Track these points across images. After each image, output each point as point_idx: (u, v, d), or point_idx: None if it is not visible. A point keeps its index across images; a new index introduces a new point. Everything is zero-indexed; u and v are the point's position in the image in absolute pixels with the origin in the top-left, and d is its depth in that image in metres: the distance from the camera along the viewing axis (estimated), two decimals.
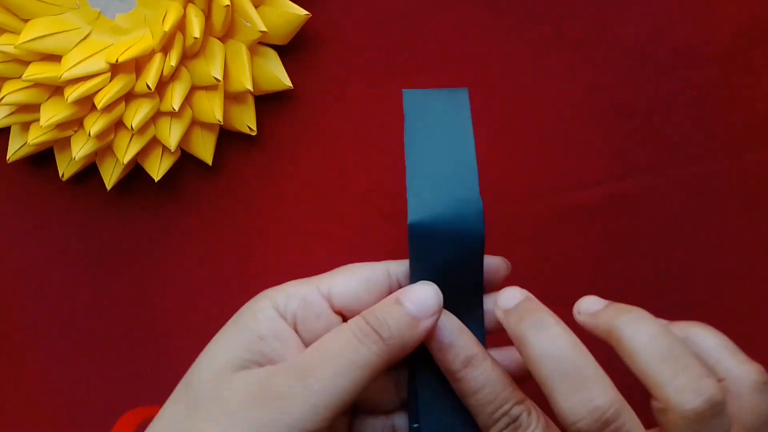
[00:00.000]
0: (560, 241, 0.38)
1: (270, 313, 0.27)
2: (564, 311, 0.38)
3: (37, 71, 0.35)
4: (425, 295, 0.27)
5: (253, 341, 0.26)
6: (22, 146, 0.38)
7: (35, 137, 0.36)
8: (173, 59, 0.34)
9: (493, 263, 0.29)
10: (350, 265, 0.29)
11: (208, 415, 0.24)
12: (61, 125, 0.36)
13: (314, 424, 0.24)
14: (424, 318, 0.26)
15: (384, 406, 0.30)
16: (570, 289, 0.38)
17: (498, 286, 0.29)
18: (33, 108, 0.36)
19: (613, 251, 0.38)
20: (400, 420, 0.30)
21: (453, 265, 0.28)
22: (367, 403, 0.30)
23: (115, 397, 0.41)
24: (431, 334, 0.27)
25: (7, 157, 0.38)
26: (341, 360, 0.25)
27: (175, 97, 0.35)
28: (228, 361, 0.26)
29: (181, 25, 0.35)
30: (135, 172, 0.39)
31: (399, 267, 0.29)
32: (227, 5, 0.34)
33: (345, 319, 0.28)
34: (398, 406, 0.30)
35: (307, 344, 0.27)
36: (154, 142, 0.37)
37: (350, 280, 0.28)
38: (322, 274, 0.28)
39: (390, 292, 0.28)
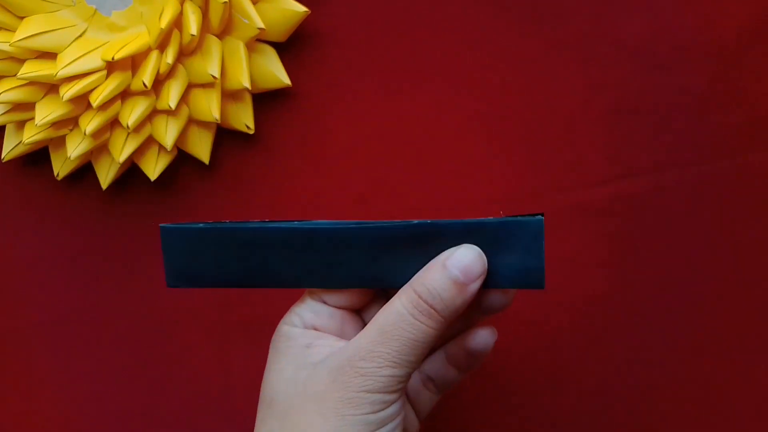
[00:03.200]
0: (562, 241, 0.38)
1: (297, 329, 0.29)
2: (566, 312, 0.38)
3: (32, 69, 0.35)
4: (470, 259, 0.27)
5: (302, 351, 0.29)
6: (16, 145, 0.37)
7: (30, 136, 0.36)
8: (170, 57, 0.34)
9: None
10: None
11: (301, 412, 0.27)
12: (56, 124, 0.36)
13: (394, 387, 0.27)
14: (471, 282, 0.27)
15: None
16: (573, 289, 0.38)
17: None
18: (28, 106, 0.36)
19: (615, 250, 0.38)
20: (426, 368, 0.32)
21: None
22: None
23: (113, 396, 0.40)
24: None
25: (2, 157, 0.38)
26: (402, 340, 0.27)
27: (171, 95, 0.35)
28: (294, 370, 0.28)
29: (177, 22, 0.34)
30: (131, 171, 0.39)
31: None
32: (225, 2, 0.34)
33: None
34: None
35: (336, 335, 0.30)
36: (151, 140, 0.37)
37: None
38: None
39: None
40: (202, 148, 0.37)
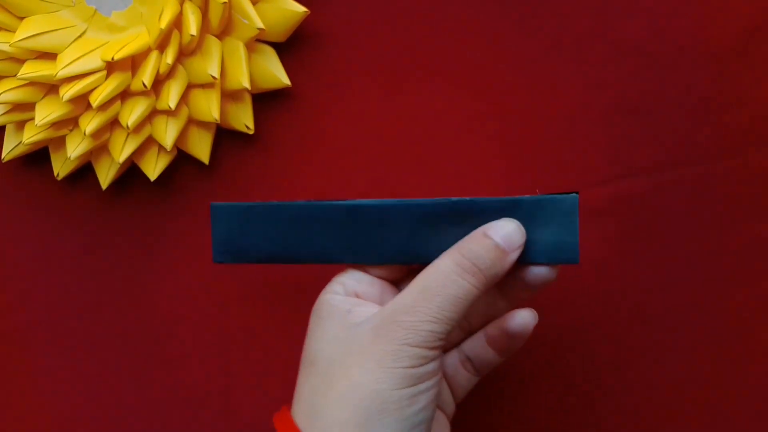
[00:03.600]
0: None
1: (339, 296, 0.30)
2: (566, 312, 0.38)
3: (32, 69, 0.35)
4: (510, 229, 0.29)
5: (343, 315, 0.29)
6: (16, 145, 0.37)
7: (30, 136, 0.36)
8: (170, 57, 0.34)
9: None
10: None
11: (342, 366, 0.28)
12: (56, 124, 0.36)
13: (434, 343, 0.28)
14: (512, 251, 0.29)
15: (455, 339, 0.33)
16: (573, 289, 0.38)
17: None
18: (28, 107, 0.36)
19: (615, 250, 0.38)
20: (466, 348, 0.33)
21: None
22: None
23: (113, 396, 0.40)
24: None
25: (2, 157, 0.38)
26: (444, 296, 0.28)
27: (171, 96, 0.35)
28: (336, 331, 0.29)
29: (177, 23, 0.34)
30: (131, 171, 0.39)
31: None
32: (225, 2, 0.34)
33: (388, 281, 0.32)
34: (466, 336, 0.33)
35: (377, 303, 0.31)
36: (150, 141, 0.37)
37: None
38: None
39: None
40: (201, 148, 0.37)
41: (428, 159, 0.38)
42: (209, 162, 0.38)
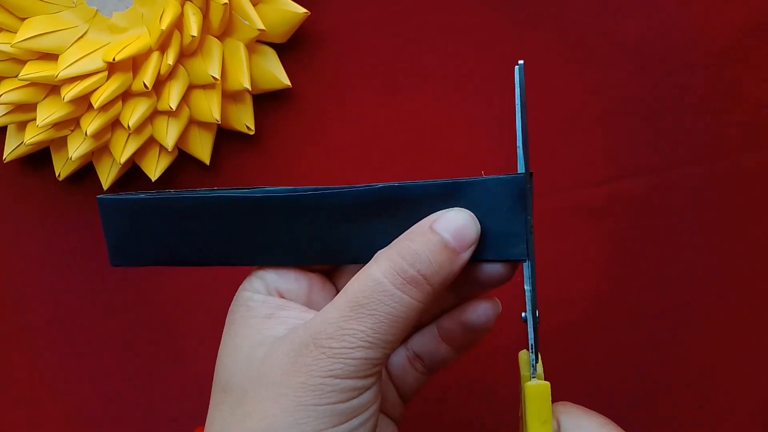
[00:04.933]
0: (561, 241, 0.38)
1: (259, 296, 0.26)
2: (565, 312, 0.38)
3: (34, 70, 0.35)
4: (461, 221, 0.24)
5: (261, 324, 0.25)
6: (18, 146, 0.37)
7: (32, 137, 0.36)
8: (170, 58, 0.34)
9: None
10: None
11: (255, 399, 0.23)
12: (57, 125, 0.36)
13: (368, 371, 0.23)
14: (464, 250, 0.24)
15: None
16: (572, 289, 0.38)
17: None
18: (29, 107, 0.36)
19: (615, 251, 0.38)
20: (414, 345, 0.29)
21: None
22: None
23: (113, 396, 0.41)
24: None
25: (4, 157, 0.38)
26: (380, 315, 0.23)
27: (172, 96, 0.35)
28: (251, 346, 0.24)
29: (178, 24, 0.34)
30: (132, 171, 0.39)
31: None
32: (225, 3, 0.34)
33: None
34: (413, 331, 0.29)
35: (304, 303, 0.26)
36: (152, 141, 0.37)
37: None
38: None
39: None
40: (202, 148, 0.37)
41: (428, 159, 0.38)
42: (210, 162, 0.38)
